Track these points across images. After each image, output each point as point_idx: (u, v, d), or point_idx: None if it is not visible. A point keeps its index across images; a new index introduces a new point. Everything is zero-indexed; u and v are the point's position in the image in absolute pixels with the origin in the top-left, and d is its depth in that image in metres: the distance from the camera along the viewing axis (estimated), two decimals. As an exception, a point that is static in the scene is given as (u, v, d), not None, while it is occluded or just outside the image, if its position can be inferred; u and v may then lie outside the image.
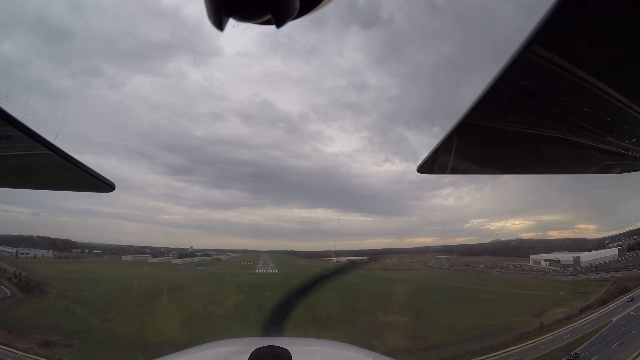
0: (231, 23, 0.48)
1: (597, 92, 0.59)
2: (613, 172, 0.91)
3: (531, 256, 32.42)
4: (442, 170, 0.94)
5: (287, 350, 1.65)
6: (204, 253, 43.61)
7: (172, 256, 40.09)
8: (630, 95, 0.59)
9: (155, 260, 38.86)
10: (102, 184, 1.01)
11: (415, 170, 0.99)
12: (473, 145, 0.83)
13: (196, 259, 41.61)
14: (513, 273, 32.00)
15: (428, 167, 0.94)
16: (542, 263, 31.49)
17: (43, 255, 30.77)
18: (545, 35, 0.46)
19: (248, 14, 0.47)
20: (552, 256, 30.88)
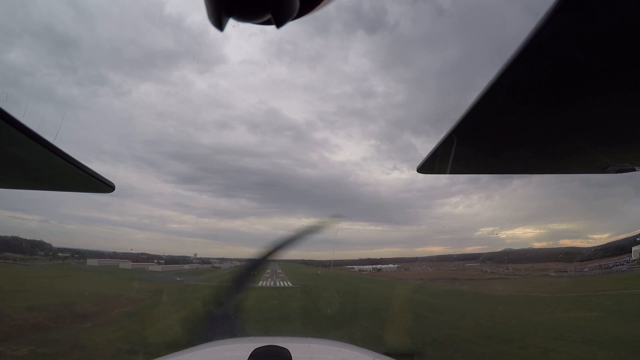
0: (231, 23, 0.48)
1: (598, 91, 0.60)
2: (614, 172, 0.95)
3: (634, 248, 26.96)
4: (443, 170, 0.93)
5: (287, 350, 1.65)
6: (203, 260, 41.42)
7: (157, 262, 37.86)
8: (632, 95, 0.60)
9: (129, 266, 34.89)
10: (101, 185, 1.00)
11: (416, 170, 0.99)
12: (474, 144, 0.83)
13: (186, 266, 39.74)
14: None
15: (428, 166, 0.93)
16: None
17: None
18: (547, 33, 0.46)
19: (248, 14, 0.47)
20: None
